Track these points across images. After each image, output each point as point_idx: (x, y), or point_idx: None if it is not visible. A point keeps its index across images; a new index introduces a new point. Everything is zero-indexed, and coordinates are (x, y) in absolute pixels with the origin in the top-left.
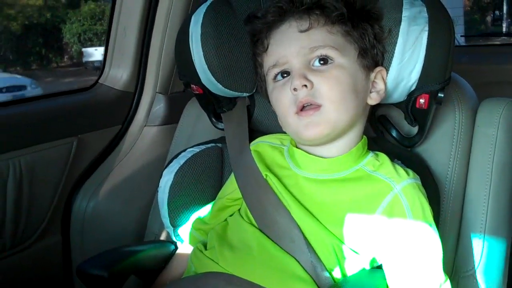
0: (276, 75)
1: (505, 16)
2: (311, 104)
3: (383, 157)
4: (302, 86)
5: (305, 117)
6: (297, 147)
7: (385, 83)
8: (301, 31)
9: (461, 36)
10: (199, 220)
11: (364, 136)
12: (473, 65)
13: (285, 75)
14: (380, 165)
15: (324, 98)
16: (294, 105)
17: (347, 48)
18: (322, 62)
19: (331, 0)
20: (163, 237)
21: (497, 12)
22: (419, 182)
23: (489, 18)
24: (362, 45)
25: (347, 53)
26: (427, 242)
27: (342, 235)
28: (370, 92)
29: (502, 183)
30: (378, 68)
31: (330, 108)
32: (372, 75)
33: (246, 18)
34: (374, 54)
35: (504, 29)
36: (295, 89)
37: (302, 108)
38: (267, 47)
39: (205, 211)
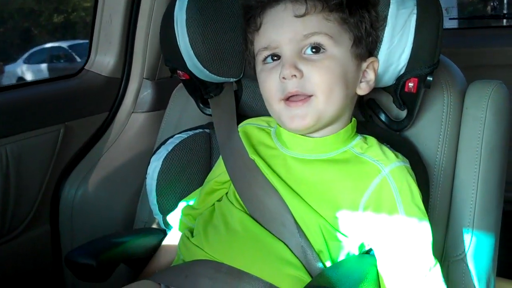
0: (266, 57)
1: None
2: (300, 95)
3: (372, 140)
4: (292, 76)
5: (293, 107)
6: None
7: (375, 74)
8: (297, 16)
9: (449, 18)
10: (188, 206)
11: (354, 119)
12: (462, 48)
13: (275, 58)
14: (368, 148)
15: (314, 88)
16: (281, 93)
17: (342, 37)
18: (314, 50)
19: None
20: (152, 224)
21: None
22: (408, 165)
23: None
24: (357, 34)
25: (341, 42)
26: (416, 225)
27: (329, 216)
28: (360, 82)
29: (491, 166)
30: (371, 59)
31: (319, 99)
32: (364, 65)
33: None
34: (369, 42)
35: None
36: (284, 78)
37: (290, 97)
38: (260, 26)
39: (193, 197)
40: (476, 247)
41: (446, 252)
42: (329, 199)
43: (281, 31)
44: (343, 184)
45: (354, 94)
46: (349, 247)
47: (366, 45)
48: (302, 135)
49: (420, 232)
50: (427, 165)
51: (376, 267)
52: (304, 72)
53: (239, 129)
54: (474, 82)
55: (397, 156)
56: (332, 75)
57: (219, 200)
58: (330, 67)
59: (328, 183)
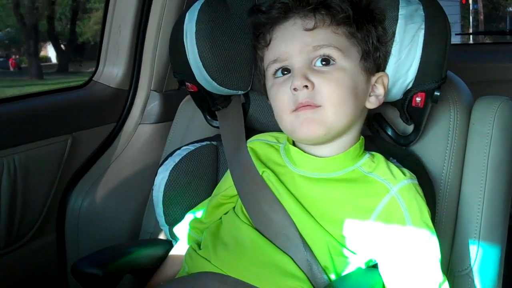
0: (276, 71)
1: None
2: (310, 105)
3: (379, 157)
4: (303, 86)
5: (302, 113)
6: (293, 145)
7: (385, 89)
8: (306, 30)
9: (455, 34)
10: (195, 219)
11: (362, 137)
12: (468, 63)
13: (286, 72)
14: (376, 166)
15: (324, 99)
16: (292, 104)
17: (351, 50)
18: (324, 62)
19: (336, 0)
20: (157, 235)
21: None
22: (416, 182)
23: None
24: (365, 48)
25: (350, 55)
26: (426, 244)
27: (337, 234)
28: (369, 96)
29: (497, 181)
30: (380, 73)
31: (328, 110)
32: (373, 79)
33: (249, 10)
34: (377, 57)
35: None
36: (295, 89)
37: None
38: (269, 42)
39: (200, 209)
40: (482, 261)
41: (452, 266)
42: (337, 218)
43: (290, 44)
44: (351, 203)
45: (364, 108)
46: (356, 263)
47: (374, 59)
48: (311, 154)
49: (429, 250)
50: (433, 180)
51: (382, 280)
52: (315, 84)
53: (248, 145)
54: (480, 98)
55: (404, 174)
56: (342, 87)
57: (225, 214)
58: (340, 79)
59: (336, 202)
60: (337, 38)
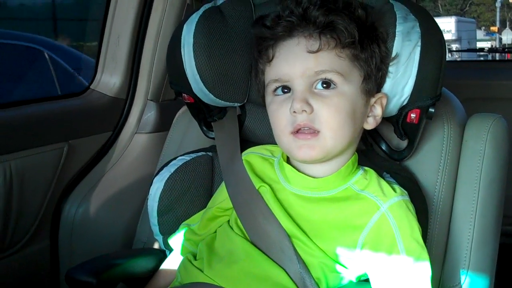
0: (276, 88)
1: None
2: (309, 128)
3: (371, 174)
4: (302, 110)
5: (301, 139)
6: (287, 162)
7: (382, 109)
8: (310, 52)
9: (450, 51)
10: (190, 230)
11: (355, 154)
12: (462, 80)
13: (286, 90)
14: (368, 184)
15: (323, 124)
16: (291, 125)
17: (353, 74)
18: (325, 85)
19: (343, 23)
20: (151, 245)
21: None
22: (407, 198)
23: None
24: (367, 70)
25: (352, 79)
26: (416, 261)
27: (330, 251)
28: (367, 117)
29: (489, 198)
30: (380, 95)
31: (327, 135)
32: (372, 100)
33: (254, 21)
34: (378, 77)
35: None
36: (294, 112)
37: (299, 130)
38: (272, 59)
39: (194, 220)
40: (472, 278)
41: (443, 282)
42: (329, 237)
43: (293, 66)
44: (343, 222)
45: (361, 129)
46: (347, 277)
47: (375, 80)
48: (305, 173)
49: (419, 267)
50: (426, 195)
51: None
52: (314, 108)
53: (243, 158)
54: (474, 115)
55: (395, 190)
56: (340, 113)
57: (220, 227)
58: (340, 104)
59: (328, 222)
60: (340, 62)
